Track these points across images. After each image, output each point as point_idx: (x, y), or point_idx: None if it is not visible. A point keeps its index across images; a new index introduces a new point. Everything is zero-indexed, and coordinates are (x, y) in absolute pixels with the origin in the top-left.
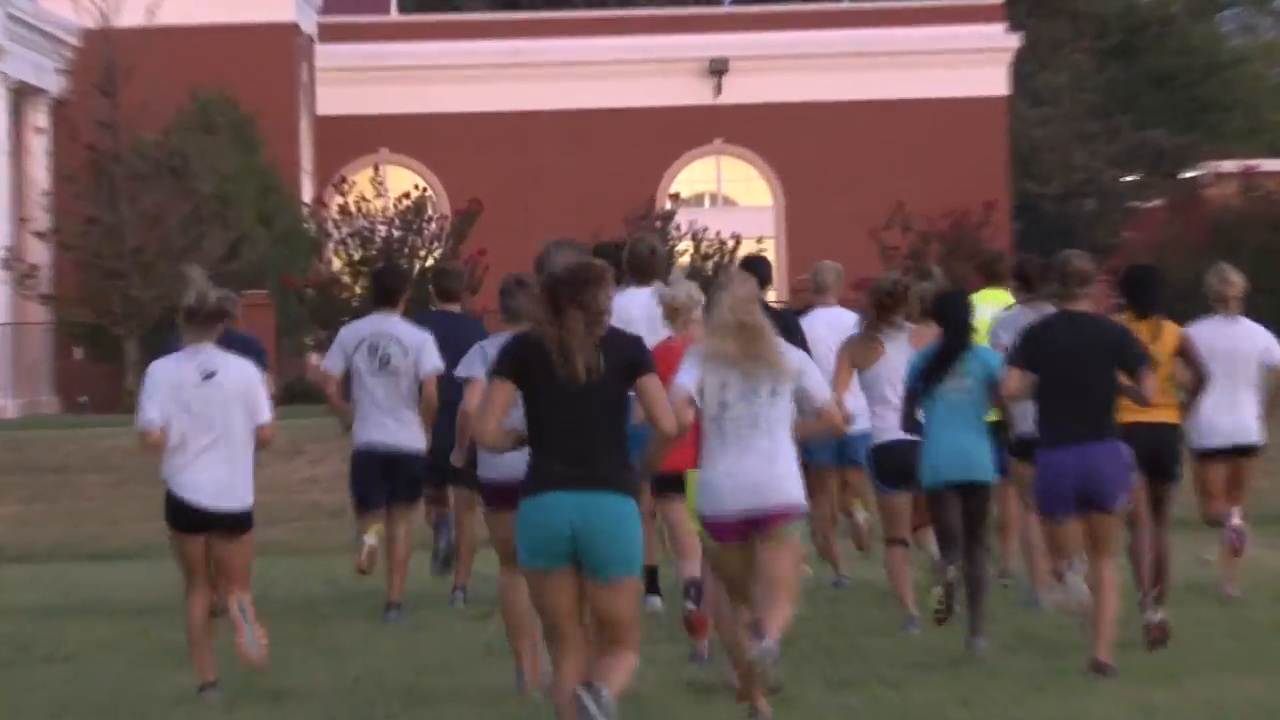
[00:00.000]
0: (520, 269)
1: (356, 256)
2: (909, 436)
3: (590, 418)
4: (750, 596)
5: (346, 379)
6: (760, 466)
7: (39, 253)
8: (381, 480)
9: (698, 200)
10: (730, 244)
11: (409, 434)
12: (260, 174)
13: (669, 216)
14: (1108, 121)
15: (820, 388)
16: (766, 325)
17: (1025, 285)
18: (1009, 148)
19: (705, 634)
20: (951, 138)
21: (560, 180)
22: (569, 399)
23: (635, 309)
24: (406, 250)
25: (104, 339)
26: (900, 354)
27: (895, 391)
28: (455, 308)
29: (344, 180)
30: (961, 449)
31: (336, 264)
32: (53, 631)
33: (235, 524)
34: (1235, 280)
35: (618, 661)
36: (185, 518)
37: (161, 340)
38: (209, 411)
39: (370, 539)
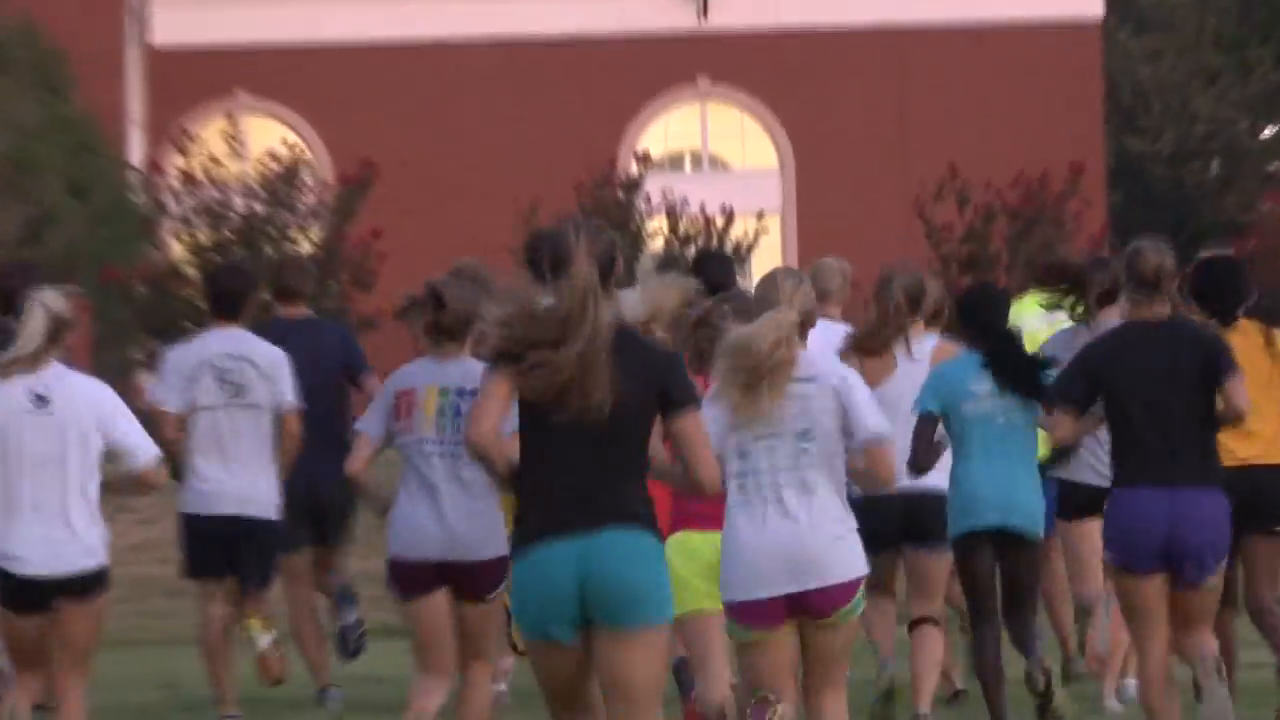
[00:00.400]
0: (431, 253)
1: (205, 239)
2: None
3: (603, 446)
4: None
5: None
6: (804, 533)
7: None
8: (223, 555)
9: (675, 162)
10: (719, 221)
11: (265, 492)
12: (71, 128)
13: (635, 184)
14: (1240, 55)
15: (875, 418)
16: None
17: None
18: (1105, 90)
19: None
20: (1024, 77)
21: (487, 136)
22: (575, 422)
23: None
24: (273, 231)
25: None
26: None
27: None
28: (303, 311)
29: (187, 135)
30: (1003, 488)
31: (177, 249)
32: None
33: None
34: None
35: None
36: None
37: None
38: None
39: (263, 639)
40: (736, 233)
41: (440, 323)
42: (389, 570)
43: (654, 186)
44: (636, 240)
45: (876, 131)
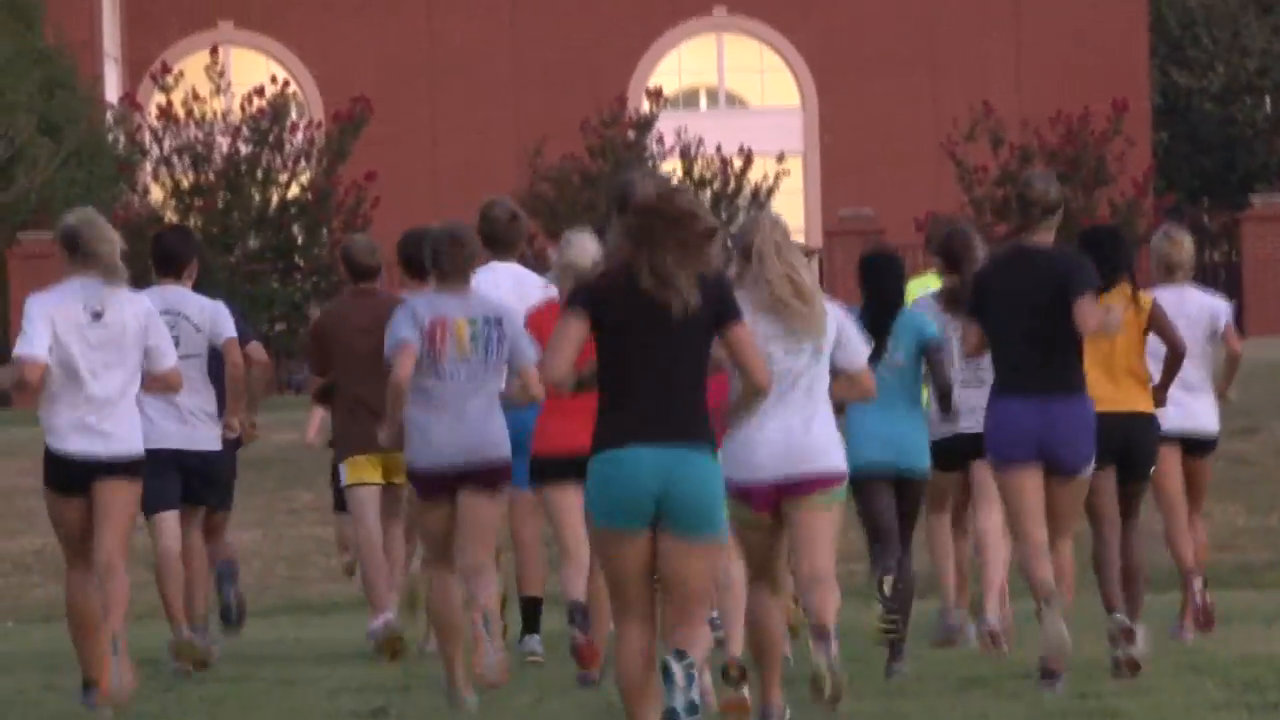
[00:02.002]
0: (427, 197)
1: (186, 183)
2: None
3: (678, 363)
4: (778, 579)
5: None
6: (799, 428)
7: None
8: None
9: (689, 98)
10: (737, 163)
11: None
12: (43, 61)
13: (647, 123)
14: None
15: (860, 350)
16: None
17: (951, 266)
18: (1150, 20)
19: (596, 663)
20: (1063, 6)
21: (487, 72)
22: (656, 340)
23: (505, 288)
24: (259, 173)
25: None
26: None
27: None
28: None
29: (167, 70)
30: (892, 435)
31: (157, 194)
32: None
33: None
34: (1185, 243)
35: (695, 634)
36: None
37: None
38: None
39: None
40: (755, 175)
41: (461, 263)
42: (411, 478)
43: (667, 126)
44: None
45: (905, 66)
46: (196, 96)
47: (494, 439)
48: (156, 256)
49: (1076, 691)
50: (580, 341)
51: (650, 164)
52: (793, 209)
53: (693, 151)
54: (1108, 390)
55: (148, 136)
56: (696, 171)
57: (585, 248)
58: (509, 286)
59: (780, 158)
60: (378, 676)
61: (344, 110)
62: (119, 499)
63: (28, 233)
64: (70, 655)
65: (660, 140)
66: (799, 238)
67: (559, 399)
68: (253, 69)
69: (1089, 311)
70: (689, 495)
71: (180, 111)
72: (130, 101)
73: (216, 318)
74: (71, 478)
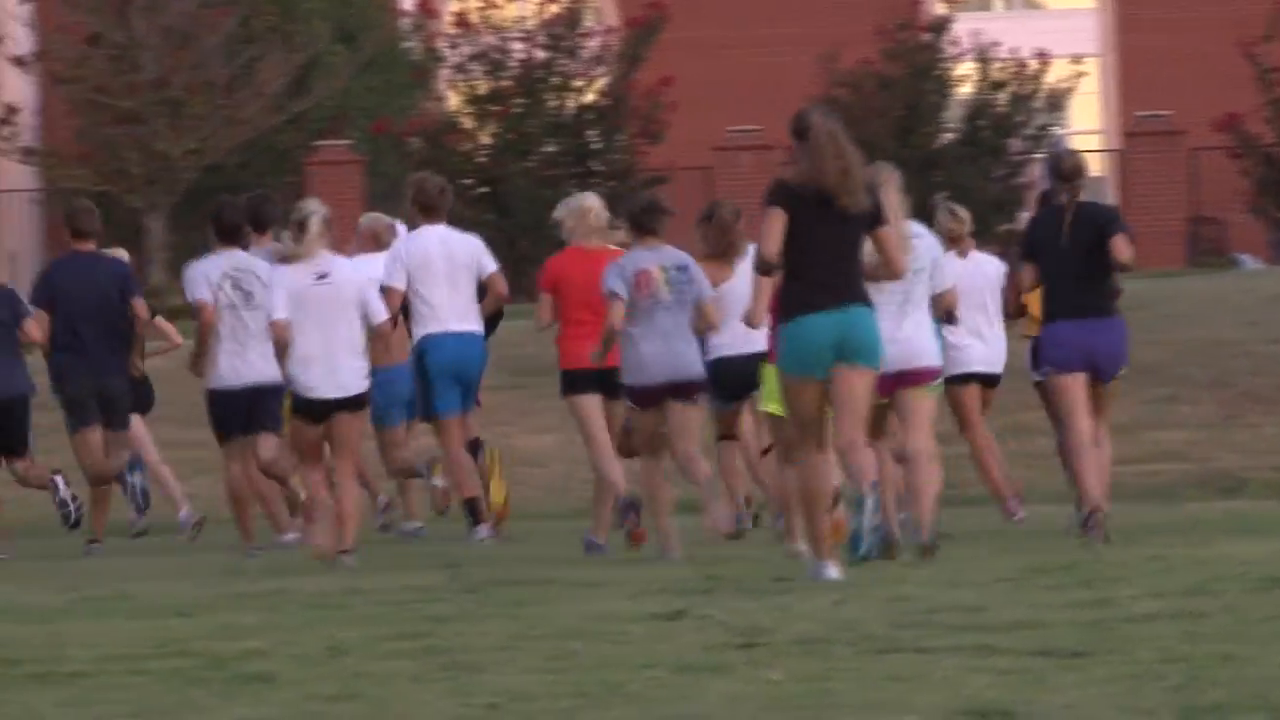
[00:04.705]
0: (721, 102)
1: (483, 90)
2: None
3: (848, 247)
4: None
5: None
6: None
7: (18, 88)
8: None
9: (982, 1)
10: (1033, 66)
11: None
12: None
13: (941, 25)
14: None
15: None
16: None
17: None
18: None
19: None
20: None
21: None
22: (834, 231)
23: (433, 250)
24: (554, 80)
25: (116, 213)
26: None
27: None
28: (90, 246)
29: None
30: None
31: (453, 101)
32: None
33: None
34: (965, 216)
35: (866, 459)
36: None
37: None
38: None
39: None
40: (1051, 78)
41: (660, 224)
42: (627, 392)
43: (962, 28)
44: (943, 86)
45: None
46: (492, 3)
47: (690, 360)
48: (217, 227)
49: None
50: (783, 228)
51: (944, 66)
52: (1089, 111)
53: (988, 54)
54: None
55: (443, 44)
56: (992, 74)
57: (586, 200)
58: (435, 243)
59: (1077, 59)
60: (679, 579)
61: (639, 16)
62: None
63: (325, 141)
64: None
65: (955, 44)
66: (1094, 140)
67: (580, 325)
68: None
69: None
70: (857, 341)
71: (475, 18)
72: (426, 8)
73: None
74: None
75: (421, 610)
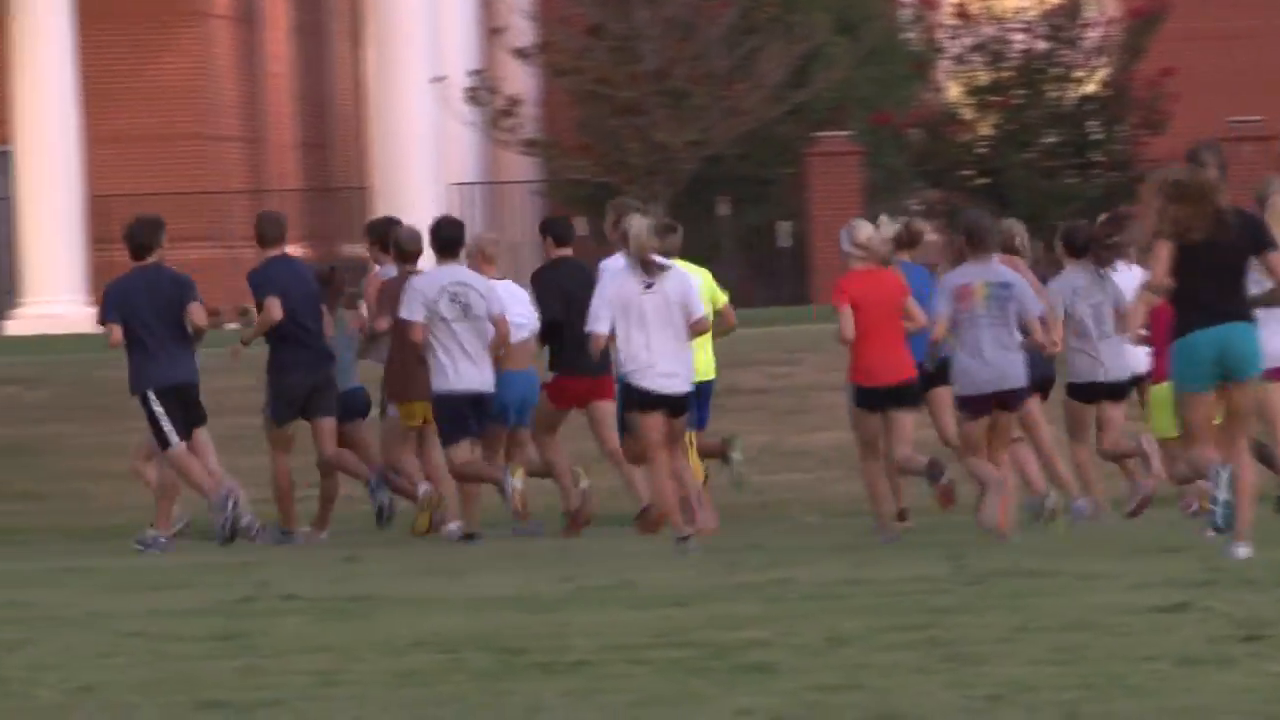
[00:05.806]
0: (1224, 93)
1: (983, 81)
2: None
3: (1228, 271)
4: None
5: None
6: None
7: (520, 80)
8: (472, 419)
9: None
10: None
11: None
12: None
13: None
14: None
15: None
16: None
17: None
18: None
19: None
20: None
21: None
22: (1214, 258)
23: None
24: (1055, 70)
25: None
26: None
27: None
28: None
29: None
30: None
31: (953, 92)
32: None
33: None
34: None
35: (1244, 450)
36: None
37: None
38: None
39: (516, 481)
40: None
41: (991, 242)
42: (958, 401)
43: None
44: None
45: None
46: None
47: (1015, 371)
48: (437, 241)
49: None
50: (1172, 261)
51: None
52: None
53: None
54: None
55: (943, 35)
56: None
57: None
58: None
59: None
60: (1181, 571)
61: (1141, 6)
62: None
63: (824, 132)
64: None
65: None
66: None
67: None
68: None
69: None
70: (1238, 353)
71: (976, 9)
72: (925, 1)
73: (491, 295)
74: None
75: (924, 602)
